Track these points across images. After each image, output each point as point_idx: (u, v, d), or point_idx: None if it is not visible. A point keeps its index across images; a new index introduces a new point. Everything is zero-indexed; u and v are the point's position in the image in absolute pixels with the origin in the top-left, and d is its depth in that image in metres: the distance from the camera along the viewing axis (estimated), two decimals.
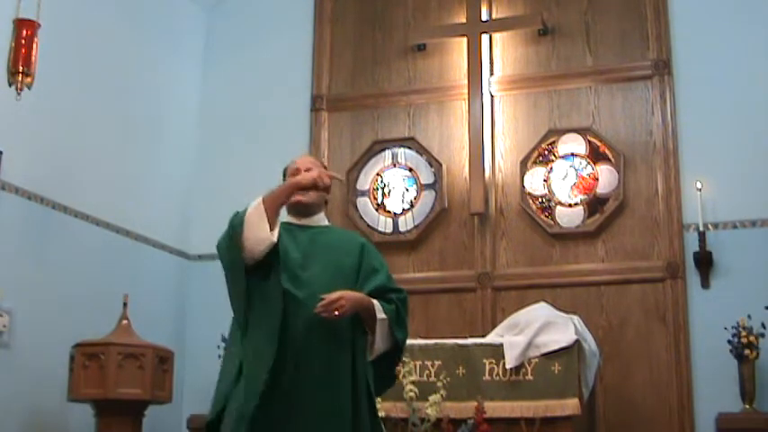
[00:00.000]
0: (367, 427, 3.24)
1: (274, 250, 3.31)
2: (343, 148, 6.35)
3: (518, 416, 4.61)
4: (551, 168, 5.91)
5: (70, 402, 4.77)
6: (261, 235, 3.31)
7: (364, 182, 6.23)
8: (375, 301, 3.30)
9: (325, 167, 3.69)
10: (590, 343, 4.88)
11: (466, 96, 6.08)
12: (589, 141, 5.87)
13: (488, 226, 5.94)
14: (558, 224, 5.82)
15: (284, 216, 3.52)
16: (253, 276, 3.31)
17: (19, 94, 4.38)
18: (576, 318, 4.95)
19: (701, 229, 5.45)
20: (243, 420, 3.10)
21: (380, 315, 3.29)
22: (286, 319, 3.20)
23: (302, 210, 3.52)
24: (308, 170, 3.56)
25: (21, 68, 4.35)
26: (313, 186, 3.46)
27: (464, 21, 6.23)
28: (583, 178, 5.85)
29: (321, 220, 3.58)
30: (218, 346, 5.82)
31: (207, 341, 5.90)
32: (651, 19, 5.92)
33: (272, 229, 3.33)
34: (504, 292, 5.83)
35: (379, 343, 3.31)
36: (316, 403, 3.17)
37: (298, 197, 3.50)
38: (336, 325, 3.22)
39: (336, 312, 3.17)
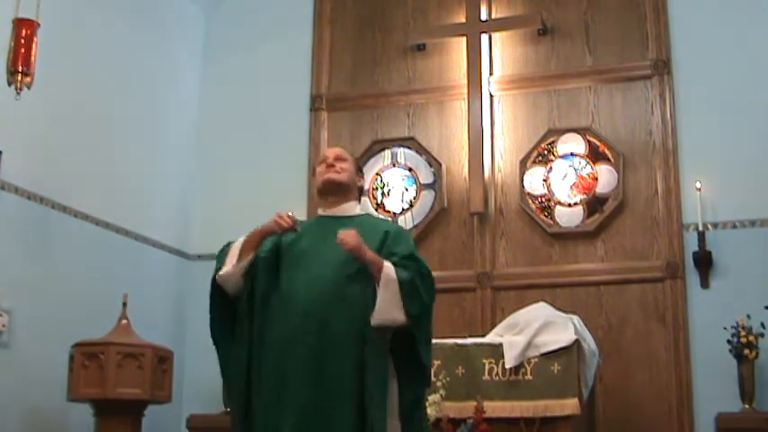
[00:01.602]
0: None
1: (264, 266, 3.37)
2: None
3: (517, 416, 4.60)
4: (551, 168, 5.91)
5: (70, 402, 4.77)
6: (228, 265, 3.40)
7: (364, 182, 6.21)
8: (388, 263, 3.16)
9: (357, 162, 3.66)
10: (589, 343, 4.88)
11: (465, 96, 6.08)
12: (588, 141, 5.88)
13: (488, 226, 5.94)
14: (558, 224, 5.83)
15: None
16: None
17: (18, 93, 4.38)
18: (575, 318, 4.95)
19: (701, 228, 5.45)
20: None
21: (391, 275, 3.14)
22: (277, 323, 3.25)
23: (332, 190, 3.46)
24: (338, 159, 3.50)
25: (20, 68, 4.35)
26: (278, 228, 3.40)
27: (464, 20, 6.23)
28: (582, 178, 5.85)
29: (351, 208, 3.49)
30: None
31: (207, 341, 5.79)
32: (651, 19, 5.92)
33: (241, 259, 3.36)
34: (504, 292, 5.83)
35: (384, 308, 3.14)
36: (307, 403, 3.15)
37: (328, 175, 3.45)
38: (339, 323, 3.18)
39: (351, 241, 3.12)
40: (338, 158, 3.50)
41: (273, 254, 3.38)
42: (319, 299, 3.22)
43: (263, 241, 3.40)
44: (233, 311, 3.43)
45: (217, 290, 3.44)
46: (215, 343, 3.52)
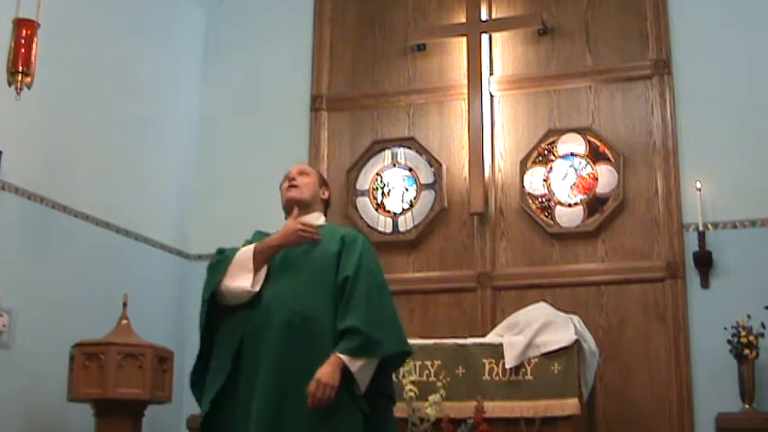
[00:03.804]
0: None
1: None
2: (343, 148, 6.35)
3: (518, 416, 4.60)
4: (551, 168, 5.91)
5: (70, 402, 4.76)
6: (240, 288, 3.41)
7: (364, 182, 6.23)
8: (343, 358, 3.24)
9: (321, 176, 3.78)
10: (590, 343, 4.88)
11: (466, 96, 6.08)
12: (589, 141, 5.87)
13: (488, 226, 5.94)
14: (558, 224, 5.82)
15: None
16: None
17: (18, 93, 4.37)
18: (575, 318, 4.95)
19: (701, 228, 5.45)
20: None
21: (353, 367, 3.25)
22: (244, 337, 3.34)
23: (291, 206, 3.59)
24: (301, 173, 3.66)
25: (20, 68, 4.34)
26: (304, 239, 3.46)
27: (464, 21, 6.23)
28: (582, 178, 5.85)
29: (314, 219, 3.59)
30: None
31: None
32: (651, 19, 5.92)
33: (255, 283, 3.39)
34: (504, 292, 5.83)
35: (365, 378, 3.29)
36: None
37: (290, 193, 3.59)
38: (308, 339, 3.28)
39: (323, 399, 3.20)
40: (301, 173, 3.68)
41: None
42: (283, 312, 3.31)
43: (230, 250, 3.51)
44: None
45: (214, 304, 3.47)
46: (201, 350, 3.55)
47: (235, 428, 3.27)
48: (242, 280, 3.38)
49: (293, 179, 3.65)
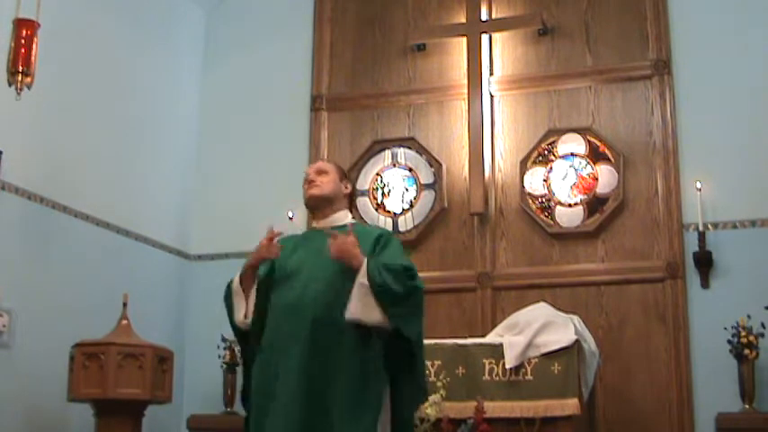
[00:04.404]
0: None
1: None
2: (343, 148, 6.35)
3: (518, 416, 4.61)
4: (551, 168, 5.91)
5: (70, 402, 4.76)
6: (238, 319, 3.49)
7: (364, 182, 6.22)
8: (365, 266, 3.23)
9: (341, 170, 3.72)
10: (590, 343, 4.89)
11: (466, 96, 6.07)
12: (589, 141, 5.87)
13: (488, 226, 5.94)
14: (558, 224, 5.82)
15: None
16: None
17: (19, 94, 4.38)
18: (575, 318, 4.95)
19: (701, 229, 5.45)
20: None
21: (361, 279, 3.22)
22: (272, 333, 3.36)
23: (313, 205, 3.57)
24: (319, 172, 3.61)
25: (20, 68, 4.35)
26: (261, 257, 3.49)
27: (464, 21, 6.23)
28: (582, 178, 5.85)
29: (341, 218, 3.56)
30: (218, 346, 5.85)
31: (207, 341, 5.90)
32: (651, 19, 5.92)
33: (247, 312, 3.46)
34: (504, 292, 5.83)
35: (355, 307, 3.22)
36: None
37: (310, 191, 3.57)
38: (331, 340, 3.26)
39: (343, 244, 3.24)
40: (319, 172, 3.62)
41: (270, 268, 3.51)
42: (307, 314, 3.31)
43: (257, 271, 3.51)
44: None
45: (243, 337, 3.55)
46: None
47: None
48: (239, 312, 3.48)
49: (312, 180, 3.60)
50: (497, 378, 4.69)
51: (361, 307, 3.22)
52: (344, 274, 3.30)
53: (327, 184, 3.58)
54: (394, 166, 6.23)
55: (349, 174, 6.15)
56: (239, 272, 3.53)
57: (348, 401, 3.20)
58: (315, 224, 3.64)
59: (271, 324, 3.38)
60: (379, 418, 3.26)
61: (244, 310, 3.44)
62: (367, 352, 3.28)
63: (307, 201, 3.59)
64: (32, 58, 4.40)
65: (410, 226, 6.07)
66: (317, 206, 3.58)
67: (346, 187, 3.69)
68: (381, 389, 3.29)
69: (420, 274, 3.39)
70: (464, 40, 6.17)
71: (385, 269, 3.27)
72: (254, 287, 3.47)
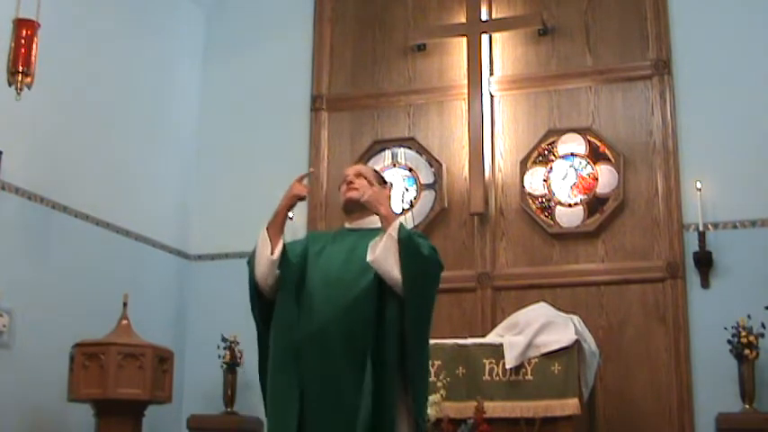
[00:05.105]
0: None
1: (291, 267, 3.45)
2: (343, 148, 6.35)
3: (518, 416, 4.61)
4: (551, 168, 5.91)
5: (70, 402, 4.77)
6: (262, 259, 3.43)
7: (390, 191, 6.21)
8: (398, 222, 3.30)
9: (377, 174, 3.75)
10: (590, 343, 4.89)
11: (466, 96, 6.07)
12: (589, 141, 5.87)
13: (488, 226, 5.94)
14: (558, 224, 5.82)
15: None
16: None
17: (19, 94, 4.38)
18: (575, 318, 4.95)
19: (701, 229, 5.45)
20: None
21: (391, 232, 3.27)
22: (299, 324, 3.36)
23: (354, 207, 3.59)
24: (358, 175, 3.63)
25: (20, 68, 4.36)
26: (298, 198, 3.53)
27: (464, 21, 6.23)
28: (583, 178, 5.85)
29: (374, 222, 3.55)
30: (218, 346, 5.85)
31: (207, 341, 5.90)
32: (651, 19, 5.92)
33: (273, 249, 3.43)
34: (504, 292, 5.83)
35: (382, 255, 3.26)
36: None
37: (349, 194, 3.60)
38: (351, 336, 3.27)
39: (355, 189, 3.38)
40: (358, 175, 3.64)
41: (302, 259, 3.50)
42: (330, 315, 3.32)
43: (288, 215, 3.52)
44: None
45: (256, 291, 3.50)
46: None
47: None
48: (264, 252, 3.43)
49: (351, 182, 3.61)
50: (497, 378, 4.69)
51: (383, 253, 3.27)
52: (369, 276, 3.34)
53: (365, 188, 3.59)
54: (394, 166, 6.23)
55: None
56: (268, 222, 3.49)
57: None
58: (348, 224, 3.65)
59: (305, 303, 3.39)
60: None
61: (270, 248, 3.42)
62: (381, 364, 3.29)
63: (345, 203, 3.62)
64: (32, 58, 4.40)
65: (410, 226, 6.05)
66: (354, 209, 3.60)
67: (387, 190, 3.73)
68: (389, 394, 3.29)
69: None
70: (464, 40, 6.17)
71: (416, 234, 3.41)
72: (282, 239, 3.45)
